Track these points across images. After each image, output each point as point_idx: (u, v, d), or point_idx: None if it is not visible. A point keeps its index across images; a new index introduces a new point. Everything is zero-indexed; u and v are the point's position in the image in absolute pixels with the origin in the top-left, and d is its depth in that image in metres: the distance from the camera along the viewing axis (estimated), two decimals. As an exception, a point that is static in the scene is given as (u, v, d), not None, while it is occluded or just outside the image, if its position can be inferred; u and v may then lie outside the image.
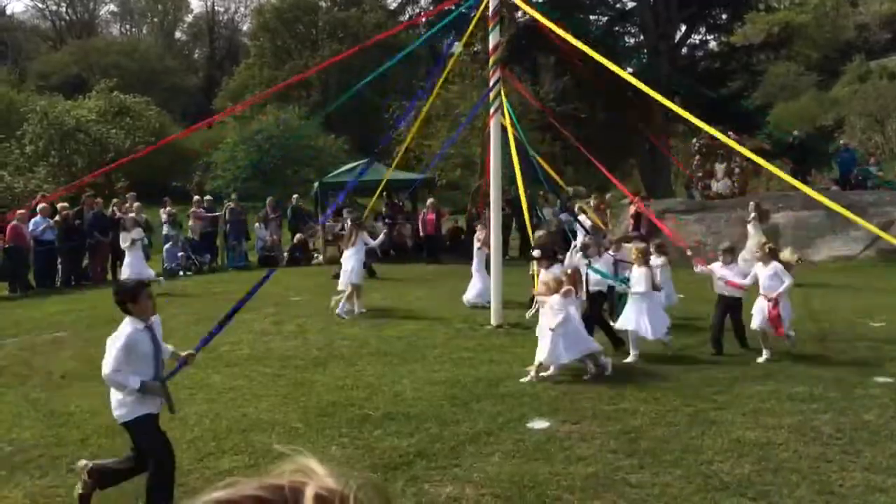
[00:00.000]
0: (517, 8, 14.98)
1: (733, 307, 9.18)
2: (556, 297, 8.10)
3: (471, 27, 12.82)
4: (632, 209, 18.92)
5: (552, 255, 9.14)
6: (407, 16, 33.10)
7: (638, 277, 9.12)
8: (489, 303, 11.24)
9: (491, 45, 11.06)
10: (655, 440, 6.10)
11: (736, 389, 7.48)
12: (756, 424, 6.42)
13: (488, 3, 10.83)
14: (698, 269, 9.64)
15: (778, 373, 8.09)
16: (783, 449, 5.86)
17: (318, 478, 0.80)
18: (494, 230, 11.21)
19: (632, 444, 6.00)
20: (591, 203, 16.37)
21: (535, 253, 9.33)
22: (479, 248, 12.69)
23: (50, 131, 28.59)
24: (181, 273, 17.78)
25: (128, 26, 64.95)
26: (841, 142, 22.69)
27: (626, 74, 9.74)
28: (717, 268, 9.28)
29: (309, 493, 0.78)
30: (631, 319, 9.03)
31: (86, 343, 10.28)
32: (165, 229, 18.53)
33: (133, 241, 14.00)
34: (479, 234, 13.01)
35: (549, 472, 5.49)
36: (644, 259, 9.21)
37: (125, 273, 13.85)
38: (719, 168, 19.16)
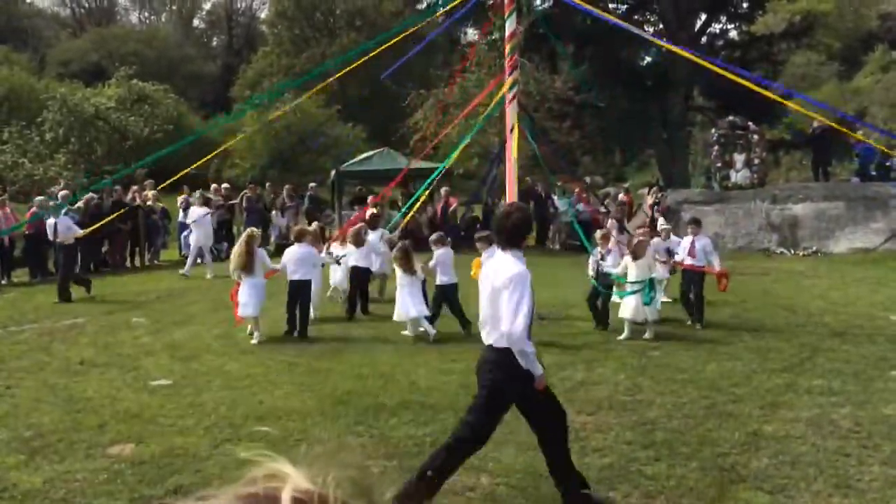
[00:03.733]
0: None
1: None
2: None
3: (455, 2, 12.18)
4: (649, 199, 18.82)
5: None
6: (425, 3, 32.97)
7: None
8: None
9: (507, 33, 10.96)
10: (671, 432, 6.07)
11: (753, 382, 7.44)
12: (773, 417, 6.38)
13: None
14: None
15: (795, 366, 8.03)
16: (801, 442, 5.82)
17: (293, 480, 0.78)
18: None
19: (648, 436, 5.98)
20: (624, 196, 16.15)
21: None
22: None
23: (70, 119, 28.74)
24: (198, 260, 17.84)
25: (146, 14, 65.18)
26: (860, 133, 22.35)
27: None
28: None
29: (285, 496, 0.75)
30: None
31: (104, 329, 10.39)
32: (181, 216, 18.60)
33: None
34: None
35: (564, 463, 5.47)
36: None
37: None
38: (738, 158, 18.99)
